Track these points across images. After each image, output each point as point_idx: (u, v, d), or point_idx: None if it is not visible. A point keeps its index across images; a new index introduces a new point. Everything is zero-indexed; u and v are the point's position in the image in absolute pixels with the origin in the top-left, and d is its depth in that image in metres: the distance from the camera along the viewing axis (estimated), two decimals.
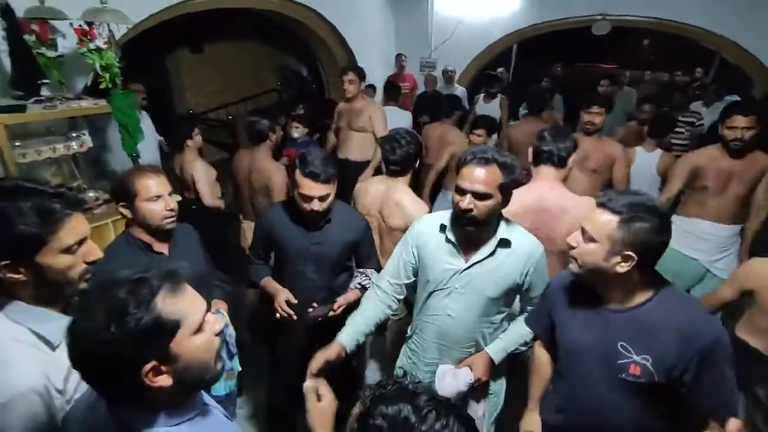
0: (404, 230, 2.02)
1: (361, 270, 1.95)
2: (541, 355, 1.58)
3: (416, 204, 2.08)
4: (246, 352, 2.07)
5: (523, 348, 1.66)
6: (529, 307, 1.63)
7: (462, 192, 1.41)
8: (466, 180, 1.40)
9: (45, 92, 2.49)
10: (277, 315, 1.82)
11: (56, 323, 0.99)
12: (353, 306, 1.75)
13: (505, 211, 1.56)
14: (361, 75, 3.74)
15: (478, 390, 1.63)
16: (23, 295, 1.00)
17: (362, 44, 5.83)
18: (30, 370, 0.95)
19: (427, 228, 1.60)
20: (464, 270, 1.51)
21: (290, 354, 1.96)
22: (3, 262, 0.94)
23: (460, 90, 5.91)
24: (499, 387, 1.74)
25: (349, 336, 1.54)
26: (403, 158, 2.08)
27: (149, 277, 0.77)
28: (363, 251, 1.94)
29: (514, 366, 1.85)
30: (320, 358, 1.37)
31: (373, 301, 1.66)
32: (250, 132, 2.78)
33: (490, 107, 5.09)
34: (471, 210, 1.40)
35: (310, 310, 1.81)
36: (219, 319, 0.89)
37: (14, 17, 2.31)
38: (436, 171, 3.60)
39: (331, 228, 1.84)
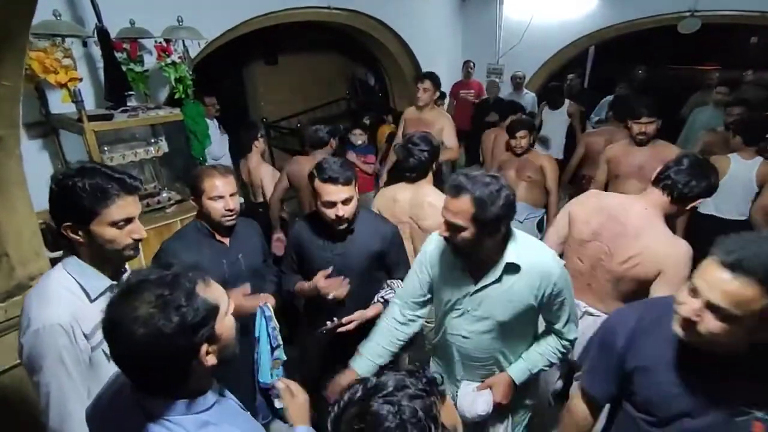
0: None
1: (388, 282, 1.93)
2: (579, 412, 1.30)
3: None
4: (293, 344, 2.15)
5: (548, 368, 1.58)
6: (555, 325, 1.51)
7: (447, 224, 1.37)
8: (448, 213, 1.34)
9: (131, 103, 2.81)
10: (331, 296, 1.76)
11: (99, 282, 1.24)
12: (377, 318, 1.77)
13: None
14: (436, 83, 3.64)
15: (499, 412, 1.58)
16: (81, 254, 1.23)
17: (429, 52, 5.85)
18: (61, 310, 1.16)
19: (437, 247, 1.57)
20: (473, 293, 1.46)
21: (314, 352, 2.04)
22: (66, 224, 1.18)
23: (529, 96, 5.69)
24: (522, 409, 1.67)
25: (362, 363, 1.59)
26: (416, 165, 2.10)
27: (183, 273, 0.86)
28: (391, 259, 1.91)
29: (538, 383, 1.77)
30: (336, 387, 1.48)
31: (387, 326, 1.64)
32: (312, 139, 2.91)
33: (557, 114, 4.85)
34: (449, 237, 1.36)
35: (328, 323, 1.82)
36: (231, 302, 0.97)
37: (109, 38, 2.64)
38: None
39: (355, 238, 1.83)
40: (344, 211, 1.71)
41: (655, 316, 1.11)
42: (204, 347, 0.84)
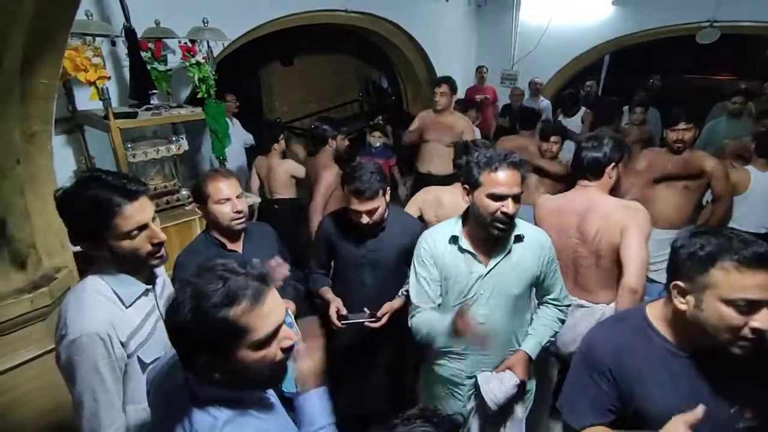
0: None
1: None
2: None
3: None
4: None
5: (553, 339, 1.69)
6: (552, 294, 1.64)
7: (500, 198, 1.43)
8: (505, 186, 1.42)
9: (155, 101, 2.87)
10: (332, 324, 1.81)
11: (133, 288, 1.22)
12: (401, 311, 1.79)
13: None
14: (453, 88, 3.66)
15: (519, 391, 1.61)
16: (110, 266, 1.21)
17: (443, 56, 5.87)
18: (99, 318, 1.14)
19: (435, 242, 1.57)
20: (487, 274, 1.52)
21: (345, 356, 2.01)
22: (86, 243, 1.17)
23: (545, 103, 5.68)
24: (532, 385, 1.74)
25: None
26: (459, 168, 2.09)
27: (238, 279, 0.80)
28: None
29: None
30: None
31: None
32: (313, 136, 2.90)
33: (572, 121, 4.84)
34: (515, 213, 1.44)
35: (362, 318, 1.82)
36: (290, 335, 0.89)
37: (136, 38, 2.70)
38: None
39: (387, 235, 1.86)
40: (368, 219, 1.76)
41: (631, 326, 1.17)
42: (205, 356, 0.79)
